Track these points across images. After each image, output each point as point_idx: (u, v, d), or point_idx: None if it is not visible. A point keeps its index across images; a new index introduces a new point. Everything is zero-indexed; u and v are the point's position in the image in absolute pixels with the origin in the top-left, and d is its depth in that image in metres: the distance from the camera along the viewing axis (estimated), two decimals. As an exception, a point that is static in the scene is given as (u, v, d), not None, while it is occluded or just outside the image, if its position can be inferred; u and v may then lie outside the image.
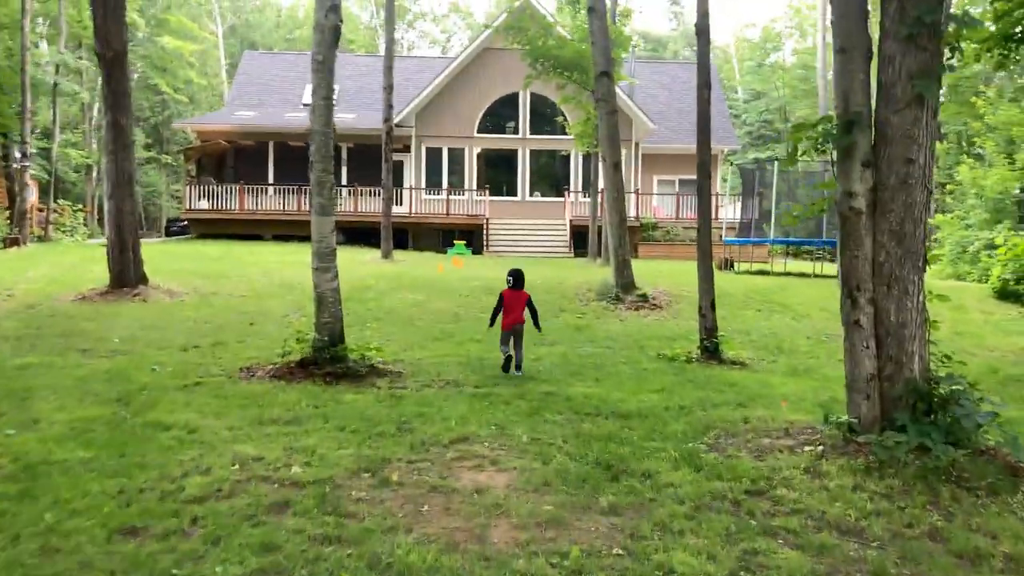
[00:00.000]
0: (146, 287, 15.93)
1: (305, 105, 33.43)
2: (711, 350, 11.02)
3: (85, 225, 34.60)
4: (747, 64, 49.65)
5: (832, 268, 24.92)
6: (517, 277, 9.96)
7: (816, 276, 21.59)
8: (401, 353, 10.66)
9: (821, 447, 5.57)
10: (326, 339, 9.21)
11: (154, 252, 24.18)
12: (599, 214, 25.45)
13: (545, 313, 15.07)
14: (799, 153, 5.85)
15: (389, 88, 23.39)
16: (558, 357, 10.71)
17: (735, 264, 23.38)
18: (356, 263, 22.20)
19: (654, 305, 16.06)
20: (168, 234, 38.35)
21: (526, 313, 9.77)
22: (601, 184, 24.34)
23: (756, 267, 23.48)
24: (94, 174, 35.99)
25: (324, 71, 9.11)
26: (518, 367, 9.39)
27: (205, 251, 23.82)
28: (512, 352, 9.41)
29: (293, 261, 21.53)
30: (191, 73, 39.27)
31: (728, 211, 30.84)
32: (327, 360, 9.01)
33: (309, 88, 34.32)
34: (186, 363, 9.55)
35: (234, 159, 33.89)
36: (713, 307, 11.32)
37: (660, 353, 11.11)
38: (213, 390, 7.77)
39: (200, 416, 6.48)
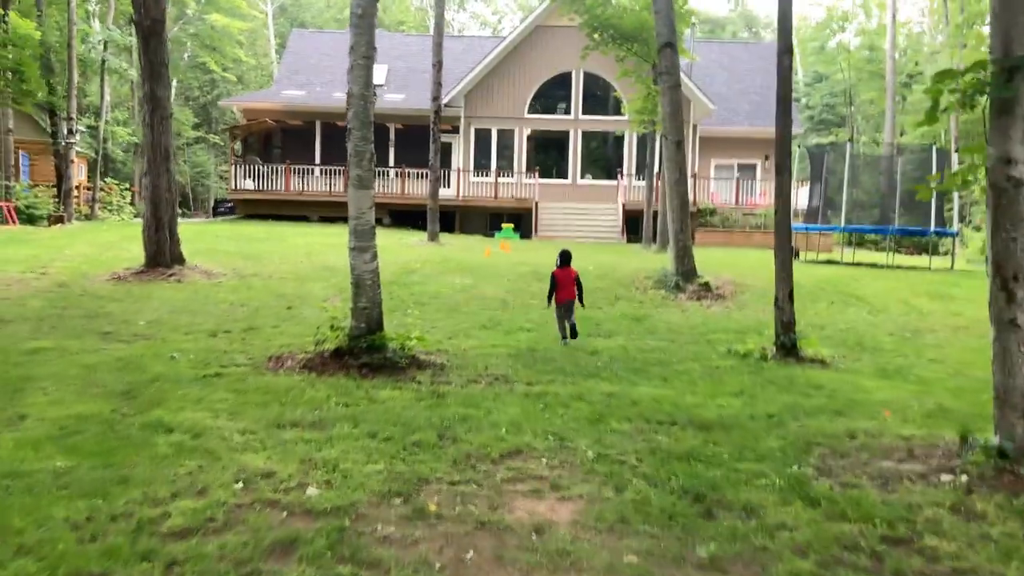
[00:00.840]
0: (182, 267, 15.27)
1: (353, 84, 32.69)
2: (788, 346, 9.86)
3: (132, 204, 34.36)
4: (810, 45, 47.57)
5: (904, 259, 23.37)
6: (565, 257, 10.86)
7: (888, 267, 20.14)
8: (445, 342, 9.71)
9: (964, 476, 4.45)
10: (363, 326, 8.31)
11: (196, 232, 23.69)
12: (655, 198, 24.24)
13: (599, 301, 14.03)
14: (940, 109, 4.70)
15: (438, 65, 22.42)
16: (617, 350, 9.65)
17: (800, 253, 21.99)
18: (402, 246, 21.37)
19: (717, 295, 14.88)
20: (215, 214, 38.04)
21: (575, 289, 10.60)
22: (659, 165, 23.16)
23: (822, 256, 22.07)
24: (140, 152, 35.81)
25: (364, 26, 8.16)
26: (574, 334, 10.25)
27: (249, 231, 23.18)
28: (568, 326, 10.29)
29: (338, 243, 20.69)
30: (240, 52, 38.72)
31: (798, 196, 29.34)
32: (364, 350, 8.10)
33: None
34: (211, 350, 8.72)
35: (281, 139, 33.31)
36: (791, 299, 10.16)
37: (731, 348, 9.99)
38: (233, 383, 6.89)
39: (210, 415, 5.59)
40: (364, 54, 8.22)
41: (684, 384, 7.81)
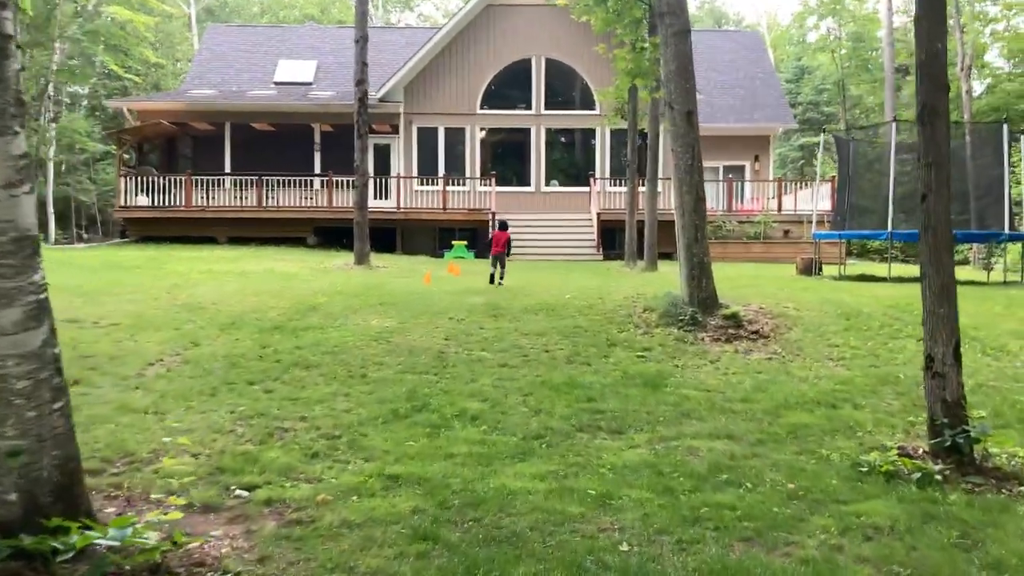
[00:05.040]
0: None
1: (277, 84, 27.79)
2: (963, 451, 5.22)
3: None
4: (792, 34, 43.54)
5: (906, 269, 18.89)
6: (502, 224, 14.77)
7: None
8: (293, 486, 4.90)
9: None
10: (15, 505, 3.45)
11: (49, 260, 18.56)
12: (637, 204, 19.67)
13: (586, 349, 9.32)
14: None
15: (362, 41, 17.66)
16: (647, 473, 4.97)
17: (822, 267, 17.50)
18: (318, 271, 16.50)
19: (753, 332, 10.24)
20: (123, 237, 32.63)
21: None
22: (649, 162, 18.59)
23: (853, 270, 17.58)
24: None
25: None
26: (501, 279, 13.44)
27: (122, 258, 18.12)
28: (498, 271, 13.58)
29: (227, 271, 15.83)
30: (148, 52, 33.49)
31: (796, 199, 25.01)
32: None
33: (283, 64, 28.74)
34: None
35: (192, 147, 28.24)
36: (958, 359, 5.50)
37: (858, 461, 5.32)
38: None
39: None
40: None
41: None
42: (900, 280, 16.04)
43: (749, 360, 9.07)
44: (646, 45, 13.92)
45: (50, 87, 32.21)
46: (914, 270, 19.06)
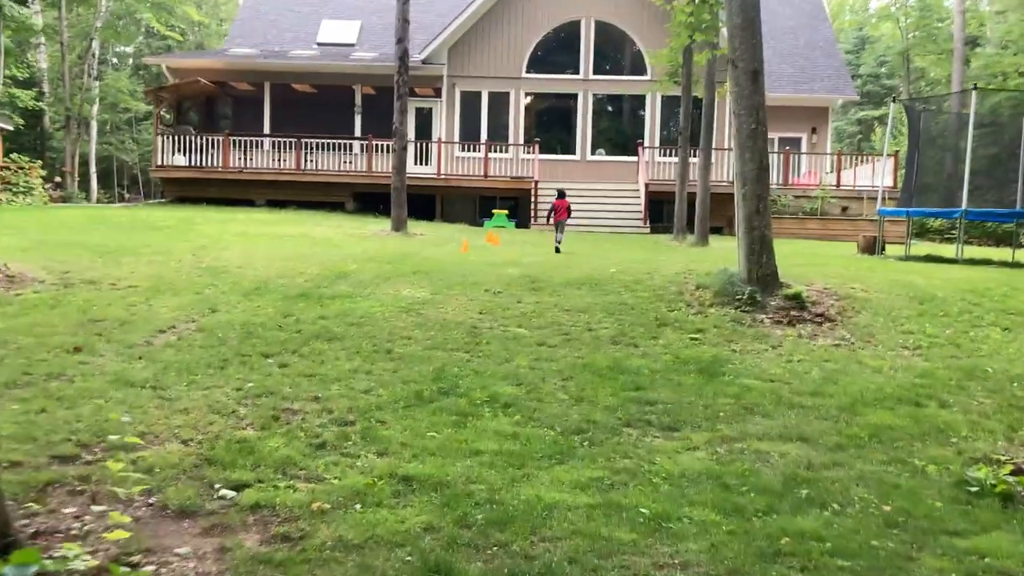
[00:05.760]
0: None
1: (319, 44, 27.04)
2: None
3: (58, 186, 28.81)
4: (847, 4, 41.64)
5: (976, 251, 17.56)
6: (561, 192, 16.20)
7: (1012, 264, 14.53)
8: (290, 486, 4.20)
9: None
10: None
11: (83, 217, 18.18)
12: (688, 174, 18.66)
13: (633, 328, 8.51)
14: None
15: (405, -5, 16.80)
16: (710, 486, 4.21)
17: (885, 246, 16.34)
18: (352, 236, 15.85)
19: (819, 315, 9.33)
20: (163, 197, 32.47)
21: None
22: (704, 131, 17.55)
23: (917, 251, 16.40)
24: (74, 125, 30.15)
25: None
26: (558, 248, 14.43)
27: (156, 218, 17.65)
28: (559, 238, 14.93)
29: (255, 233, 15.28)
30: (191, 10, 33.00)
31: (856, 175, 23.75)
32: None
33: (326, 25, 27.97)
34: None
35: (232, 107, 27.78)
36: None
37: (964, 477, 4.47)
38: None
39: None
40: None
41: None
42: (972, 262, 14.89)
43: (815, 346, 8.18)
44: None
45: (94, 45, 31.90)
46: (985, 252, 17.85)
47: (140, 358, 6.76)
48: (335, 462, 4.33)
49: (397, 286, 10.03)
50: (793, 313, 9.33)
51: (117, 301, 8.91)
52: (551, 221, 15.57)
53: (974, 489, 4.17)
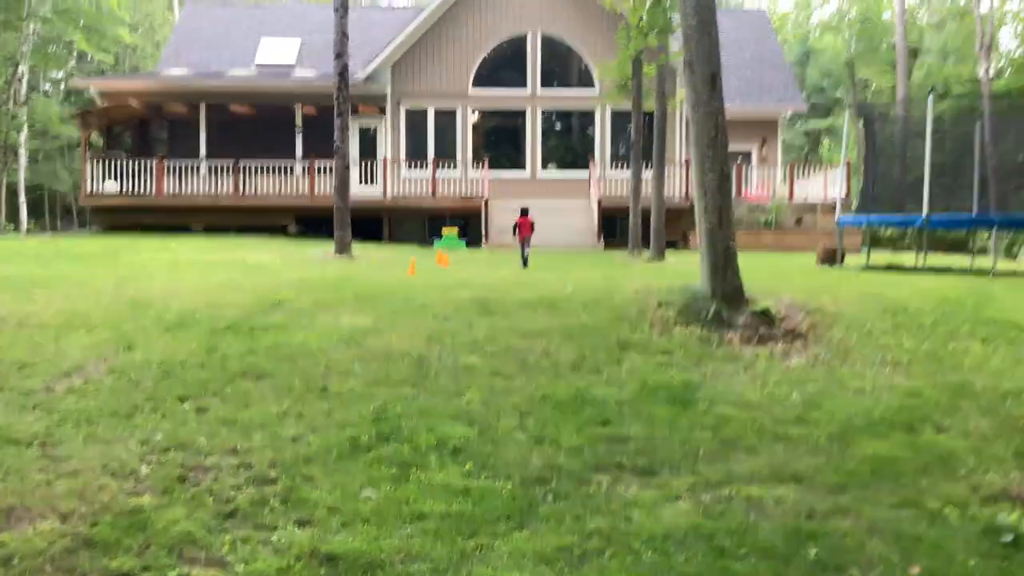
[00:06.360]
0: None
1: (259, 66, 26.11)
2: None
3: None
4: (793, 20, 41.87)
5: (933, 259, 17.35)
6: (524, 211, 16.56)
7: (970, 272, 14.24)
8: None
9: None
10: None
11: (2, 248, 16.99)
12: (642, 188, 18.19)
13: (595, 351, 7.84)
14: None
15: (343, 9, 16.12)
16: (701, 550, 3.54)
17: (844, 256, 16.00)
18: (293, 261, 14.95)
19: (789, 331, 8.78)
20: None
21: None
22: (663, 143, 17.07)
23: (876, 260, 16.08)
24: (0, 154, 28.61)
25: None
26: (525, 262, 15.29)
27: (79, 248, 16.55)
28: (525, 255, 15.57)
29: (192, 261, 14.29)
30: (123, 32, 31.64)
31: (808, 186, 23.61)
32: None
33: (264, 43, 27.00)
34: None
35: (168, 131, 26.61)
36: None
37: (991, 523, 3.85)
38: None
39: None
40: None
41: None
42: (932, 270, 14.59)
43: (790, 366, 7.59)
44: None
45: (20, 69, 30.50)
46: (942, 259, 17.63)
47: (35, 407, 5.88)
48: (245, 538, 3.56)
49: (337, 314, 9.21)
50: (762, 330, 8.76)
51: (21, 340, 7.95)
52: (517, 238, 16.09)
53: (1008, 539, 3.56)
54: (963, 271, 14.40)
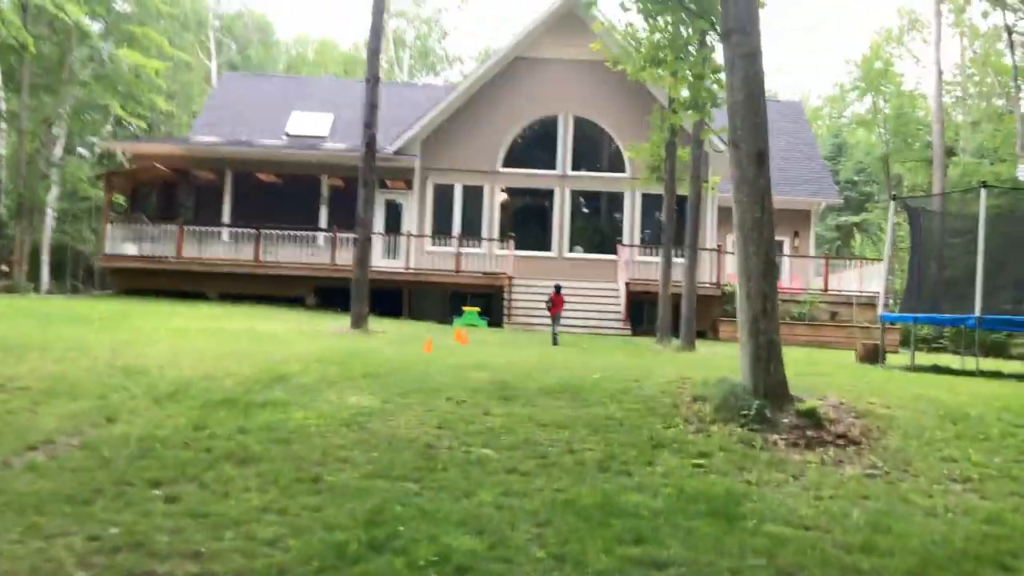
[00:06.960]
0: None
1: (288, 135, 26.13)
2: None
3: (3, 275, 27.14)
4: (830, 110, 41.79)
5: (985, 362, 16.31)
6: (557, 288, 16.99)
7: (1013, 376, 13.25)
8: None
9: None
10: None
11: (11, 308, 16.50)
12: (672, 274, 17.50)
13: (623, 448, 6.98)
14: None
15: (373, 80, 15.89)
16: None
17: (886, 355, 15.09)
18: (306, 333, 14.32)
19: (840, 436, 7.88)
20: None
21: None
22: (689, 228, 16.44)
23: (922, 360, 15.15)
24: (27, 213, 28.61)
25: None
26: (555, 340, 15.52)
27: (89, 310, 16.04)
28: (556, 331, 16.00)
29: (201, 329, 13.69)
30: (158, 99, 32.14)
31: (841, 279, 22.84)
32: None
33: (296, 116, 27.09)
34: None
35: (194, 197, 26.48)
36: None
37: None
38: None
39: None
40: None
41: None
42: (987, 375, 13.61)
43: (844, 477, 6.70)
44: (705, 70, 11.73)
45: (54, 131, 30.82)
46: (997, 364, 16.61)
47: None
48: None
49: (342, 392, 8.49)
50: (810, 433, 7.88)
51: (-7, 406, 7.29)
52: (550, 312, 16.58)
53: None
54: (1019, 376, 13.42)
